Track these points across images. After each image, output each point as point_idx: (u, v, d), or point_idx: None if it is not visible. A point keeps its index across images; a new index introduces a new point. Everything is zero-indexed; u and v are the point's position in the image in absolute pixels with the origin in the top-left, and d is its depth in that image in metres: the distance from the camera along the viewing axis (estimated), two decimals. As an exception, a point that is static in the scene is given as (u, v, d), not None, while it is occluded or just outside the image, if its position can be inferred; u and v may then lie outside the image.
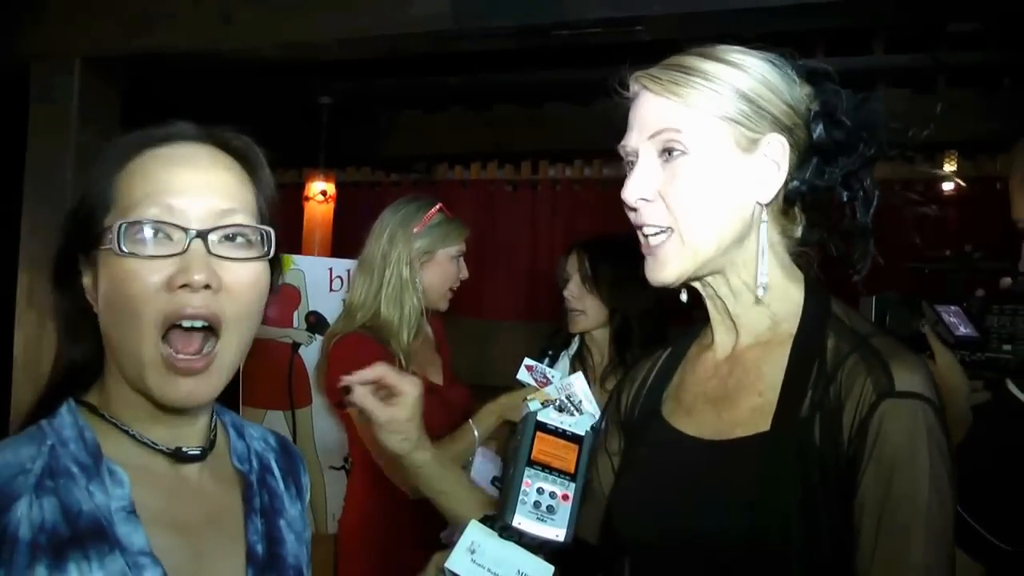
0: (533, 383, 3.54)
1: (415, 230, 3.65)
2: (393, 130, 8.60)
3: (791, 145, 1.72)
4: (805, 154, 1.74)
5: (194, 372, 1.47)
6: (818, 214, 1.82)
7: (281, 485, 1.77)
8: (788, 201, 1.77)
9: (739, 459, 1.70)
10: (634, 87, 1.80)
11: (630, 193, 1.76)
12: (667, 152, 1.73)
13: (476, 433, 3.54)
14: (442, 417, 3.62)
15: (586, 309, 4.16)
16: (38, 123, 5.39)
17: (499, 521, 1.66)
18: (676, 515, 1.75)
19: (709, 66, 1.72)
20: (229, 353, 1.51)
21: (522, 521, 1.63)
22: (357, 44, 4.81)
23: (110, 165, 1.50)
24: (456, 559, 1.66)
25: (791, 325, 1.77)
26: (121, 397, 1.53)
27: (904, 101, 6.47)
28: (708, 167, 1.70)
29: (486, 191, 8.22)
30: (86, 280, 1.52)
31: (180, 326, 1.45)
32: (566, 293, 4.22)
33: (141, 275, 1.42)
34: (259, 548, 1.62)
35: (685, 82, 1.71)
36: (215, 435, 1.67)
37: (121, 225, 1.42)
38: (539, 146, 7.60)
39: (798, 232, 1.83)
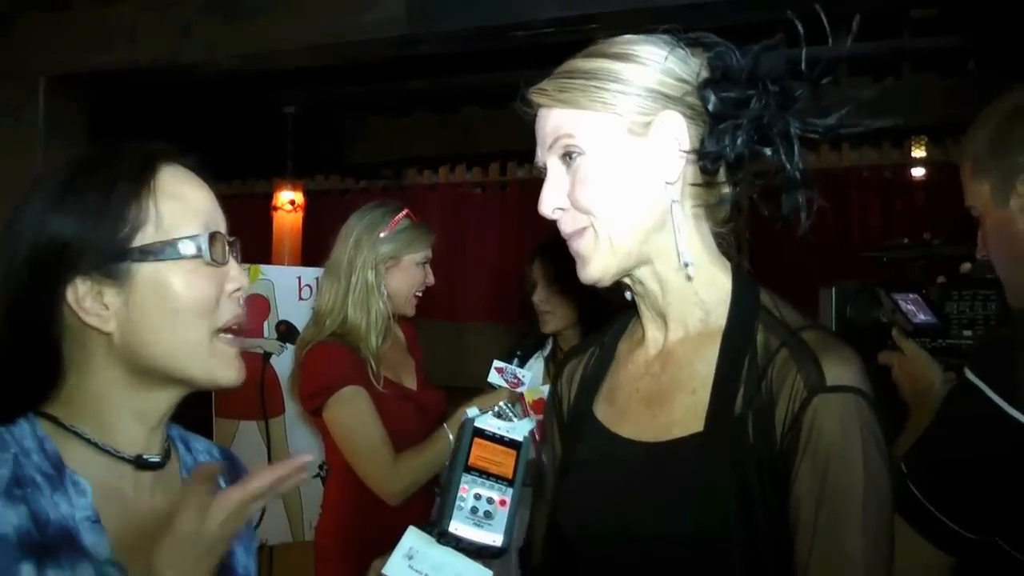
0: (504, 384, 3.54)
1: (381, 235, 3.64)
2: (360, 137, 8.62)
3: (690, 117, 1.68)
4: (712, 121, 1.68)
5: (235, 352, 1.64)
6: (742, 178, 1.76)
7: None
8: (708, 171, 1.72)
9: (677, 460, 1.68)
10: (534, 102, 1.78)
11: (545, 205, 1.75)
12: (567, 156, 1.71)
13: (451, 437, 3.51)
14: (417, 421, 3.64)
15: (554, 310, 4.20)
16: (4, 143, 5.38)
17: (436, 527, 1.64)
18: (619, 517, 1.73)
19: (592, 64, 1.70)
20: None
21: (459, 527, 1.61)
22: (315, 52, 4.82)
23: (127, 183, 1.55)
24: (393, 565, 1.64)
25: (720, 317, 1.75)
26: (87, 408, 1.55)
27: (868, 89, 6.48)
28: (605, 161, 1.68)
29: (455, 194, 8.24)
30: (89, 301, 1.52)
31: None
32: (535, 298, 4.26)
33: (214, 281, 1.58)
34: None
35: (570, 87, 1.70)
36: (168, 446, 1.70)
37: (209, 235, 1.57)
38: (506, 147, 7.58)
39: (723, 206, 1.78)
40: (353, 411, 3.48)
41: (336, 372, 3.50)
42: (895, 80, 6.89)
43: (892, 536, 1.59)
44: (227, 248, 1.61)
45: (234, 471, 1.85)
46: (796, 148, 1.63)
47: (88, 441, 1.54)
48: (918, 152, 7.26)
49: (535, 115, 1.78)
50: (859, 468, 1.54)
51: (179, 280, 1.53)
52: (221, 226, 1.62)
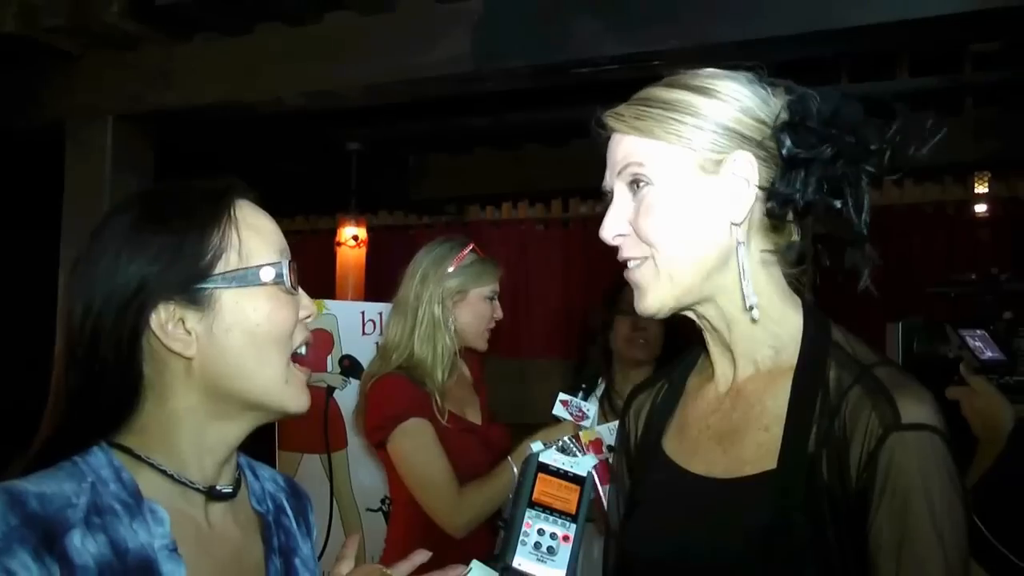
0: (569, 417, 3.52)
1: (448, 270, 3.65)
2: (422, 173, 8.66)
3: (763, 159, 1.68)
4: (783, 167, 1.68)
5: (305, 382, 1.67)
6: (810, 225, 1.76)
7: (294, 524, 1.82)
8: (776, 216, 1.71)
9: (749, 498, 1.66)
10: (608, 126, 1.77)
11: (606, 231, 1.75)
12: (635, 184, 1.71)
13: (515, 469, 3.48)
14: (482, 456, 3.63)
15: (651, 340, 4.34)
16: (73, 181, 5.47)
17: (500, 561, 1.63)
18: (689, 554, 1.72)
19: (672, 95, 1.69)
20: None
21: (522, 562, 1.60)
22: (379, 90, 4.86)
23: (207, 214, 1.59)
24: None
25: (792, 353, 1.73)
26: (161, 438, 1.57)
27: (930, 123, 6.39)
28: (672, 194, 1.67)
29: (518, 230, 8.28)
30: (172, 326, 1.55)
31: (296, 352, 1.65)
32: (640, 325, 4.35)
33: (292, 308, 1.62)
34: None
35: (646, 115, 1.69)
36: (239, 475, 1.73)
37: (288, 262, 1.61)
38: (568, 184, 7.60)
39: (791, 249, 1.77)
40: (417, 444, 3.48)
41: (401, 405, 3.50)
42: (956, 115, 6.81)
43: (968, 567, 1.57)
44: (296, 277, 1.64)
45: (298, 501, 1.88)
46: (866, 202, 1.63)
47: (162, 472, 1.56)
48: (981, 187, 7.18)
49: (607, 139, 1.77)
50: (938, 507, 1.53)
51: (261, 306, 1.57)
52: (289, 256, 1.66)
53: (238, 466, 1.74)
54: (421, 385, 3.55)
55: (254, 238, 1.60)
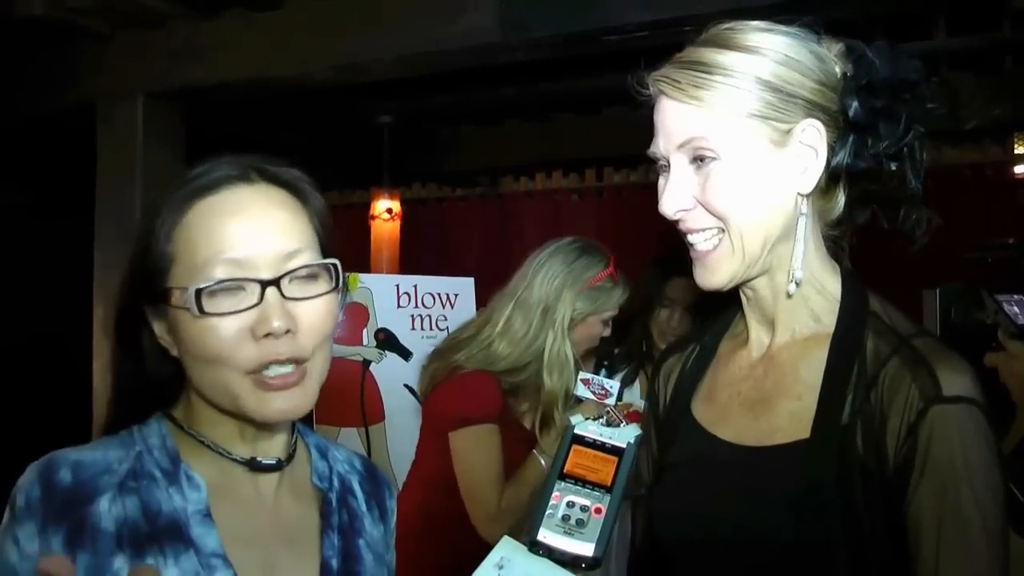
0: (591, 396, 3.43)
1: (580, 290, 3.44)
2: (454, 145, 8.70)
3: (827, 124, 1.62)
4: (844, 129, 1.63)
5: (289, 386, 1.50)
6: (863, 188, 1.71)
7: (363, 507, 1.80)
8: (831, 180, 1.67)
9: (780, 466, 1.65)
10: (653, 89, 1.69)
11: (668, 206, 1.69)
12: (698, 160, 1.64)
13: (543, 463, 3.39)
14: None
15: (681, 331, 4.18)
16: (105, 160, 5.53)
17: (527, 536, 1.57)
18: (718, 522, 1.70)
19: (728, 58, 1.60)
20: (316, 371, 1.55)
21: (548, 535, 1.51)
22: (407, 62, 4.86)
23: (164, 220, 1.53)
24: (483, 574, 1.54)
25: (829, 322, 1.70)
26: (203, 414, 1.60)
27: (968, 84, 6.31)
28: (742, 169, 1.62)
29: (551, 201, 8.18)
30: (158, 327, 1.57)
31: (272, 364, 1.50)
32: (668, 320, 4.30)
33: (222, 331, 1.47)
34: (333, 563, 1.65)
35: (705, 83, 1.60)
36: (294, 451, 1.71)
37: (195, 290, 1.44)
38: (600, 152, 7.55)
39: (836, 212, 1.73)
40: (482, 448, 3.35)
41: (484, 410, 3.36)
42: (995, 74, 6.72)
43: (1008, 538, 1.55)
44: (263, 292, 1.47)
45: (374, 486, 1.86)
46: (922, 161, 1.60)
47: (202, 443, 1.59)
48: (1021, 148, 7.07)
49: (648, 102, 1.72)
50: (980, 482, 1.51)
51: (189, 328, 1.48)
52: (261, 261, 1.49)
53: (296, 444, 1.73)
54: (518, 400, 3.46)
55: (194, 253, 1.49)
